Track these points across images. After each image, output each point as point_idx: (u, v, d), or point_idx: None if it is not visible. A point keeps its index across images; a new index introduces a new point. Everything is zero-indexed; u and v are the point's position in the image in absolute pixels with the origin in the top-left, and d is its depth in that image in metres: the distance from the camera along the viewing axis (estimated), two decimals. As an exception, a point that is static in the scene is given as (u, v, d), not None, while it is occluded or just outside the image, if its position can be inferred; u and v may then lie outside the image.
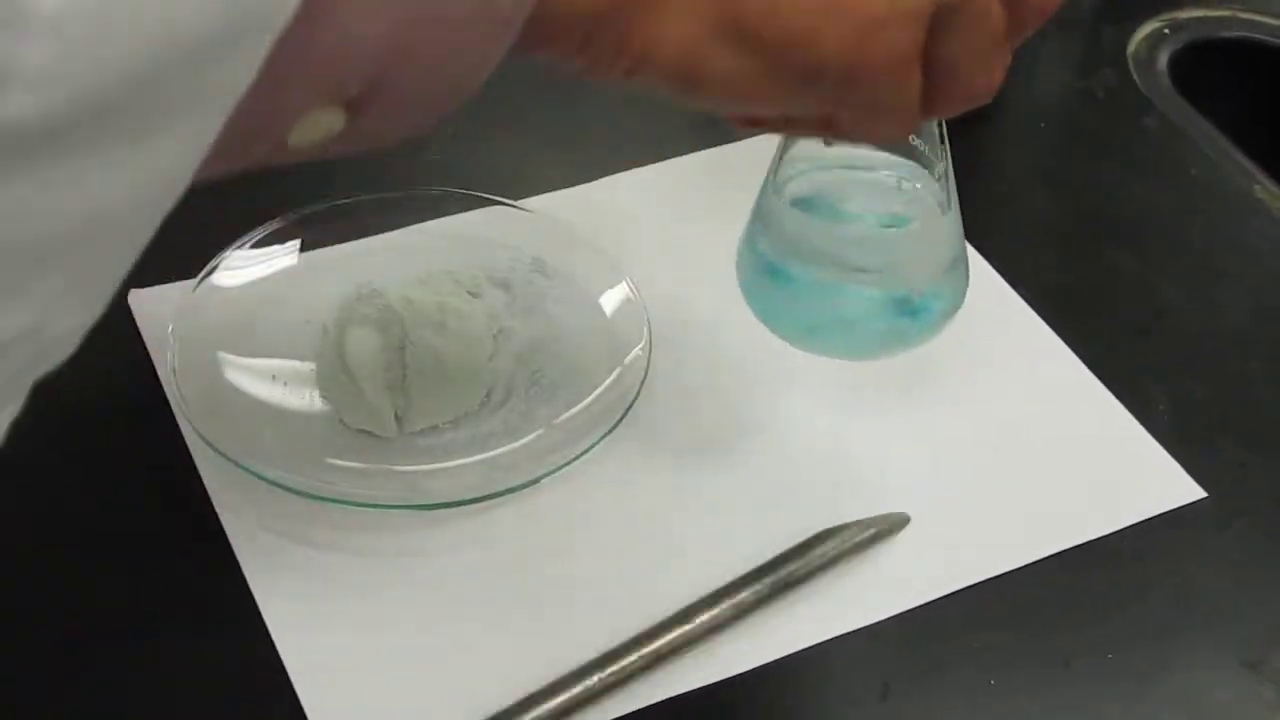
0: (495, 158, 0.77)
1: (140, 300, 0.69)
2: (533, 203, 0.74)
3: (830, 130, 0.49)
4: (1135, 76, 0.88)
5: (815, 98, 0.45)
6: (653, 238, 0.74)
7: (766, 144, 0.55)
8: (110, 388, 0.67)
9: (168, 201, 0.31)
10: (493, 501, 0.62)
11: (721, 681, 0.58)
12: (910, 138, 0.61)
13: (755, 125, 0.51)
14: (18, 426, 0.33)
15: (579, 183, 0.77)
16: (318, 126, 0.35)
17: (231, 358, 0.66)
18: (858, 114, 0.47)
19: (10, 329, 0.29)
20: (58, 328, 0.31)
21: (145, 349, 0.67)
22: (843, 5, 0.42)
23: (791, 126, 0.51)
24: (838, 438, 0.67)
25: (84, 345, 0.70)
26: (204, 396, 0.64)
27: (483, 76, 0.37)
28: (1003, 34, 0.47)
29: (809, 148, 0.62)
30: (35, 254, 0.28)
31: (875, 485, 0.65)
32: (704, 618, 0.59)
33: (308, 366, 0.67)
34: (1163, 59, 0.89)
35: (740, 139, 0.78)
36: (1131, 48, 0.90)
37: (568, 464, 0.63)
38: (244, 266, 0.69)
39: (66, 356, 0.32)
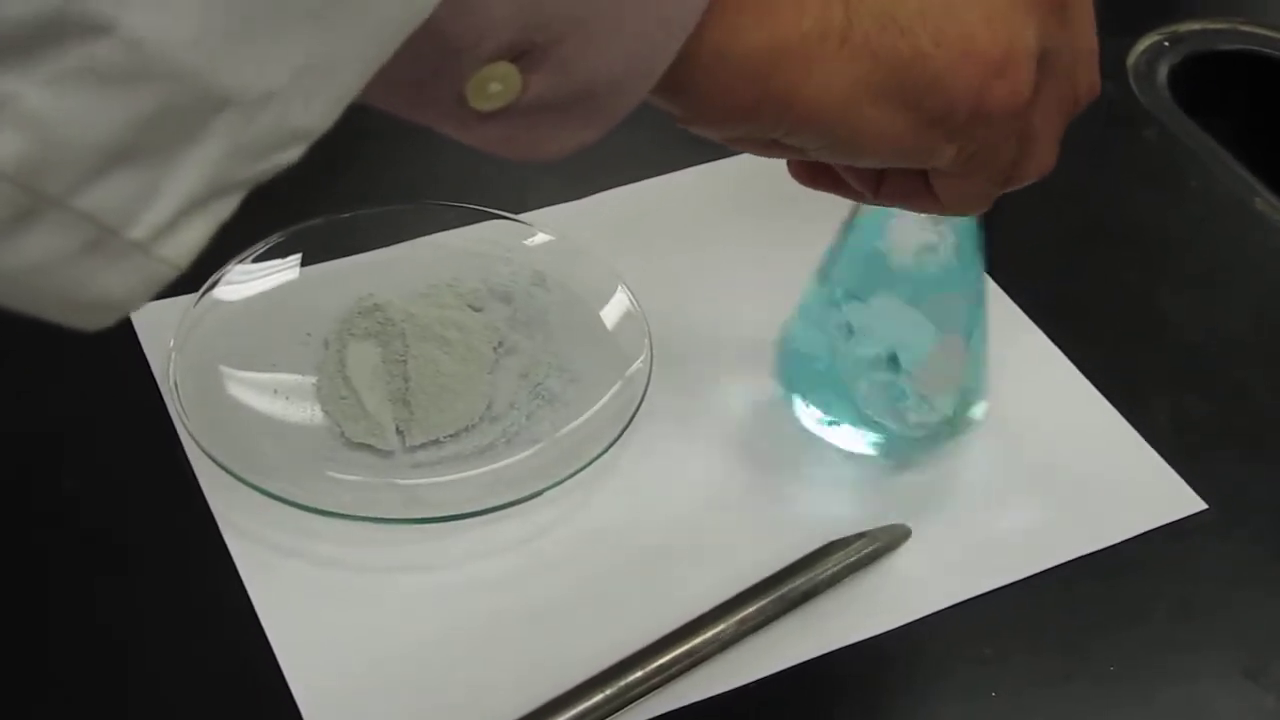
0: (497, 171, 0.77)
1: (142, 314, 0.69)
2: (534, 216, 0.74)
3: (927, 198, 0.51)
4: (1135, 89, 0.88)
5: (948, 144, 0.47)
6: (654, 251, 0.74)
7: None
8: (112, 401, 0.67)
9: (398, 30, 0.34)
10: (494, 515, 0.62)
11: (723, 695, 0.58)
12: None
13: (852, 192, 0.53)
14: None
15: (580, 196, 0.77)
16: (495, 83, 0.38)
17: (233, 371, 0.66)
18: (968, 167, 0.49)
19: (264, 88, 0.32)
20: (295, 115, 0.33)
21: (147, 363, 0.67)
22: (971, 51, 0.45)
23: (890, 189, 0.52)
24: (839, 451, 0.66)
25: (87, 358, 0.71)
26: (205, 410, 0.64)
27: (642, 84, 0.40)
28: (1069, 111, 0.50)
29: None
30: (292, 9, 0.32)
31: (876, 498, 0.65)
32: (708, 634, 0.59)
33: (309, 380, 0.67)
34: (1162, 71, 0.89)
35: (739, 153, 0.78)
36: (1131, 60, 0.90)
37: (569, 477, 0.63)
38: (245, 280, 0.69)
39: (289, 163, 0.34)
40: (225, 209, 0.34)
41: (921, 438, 0.65)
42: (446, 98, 0.39)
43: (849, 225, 0.62)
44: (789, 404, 0.66)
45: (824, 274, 0.64)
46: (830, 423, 0.65)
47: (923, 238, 0.62)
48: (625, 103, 0.40)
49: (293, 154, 0.34)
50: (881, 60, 0.44)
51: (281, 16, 0.31)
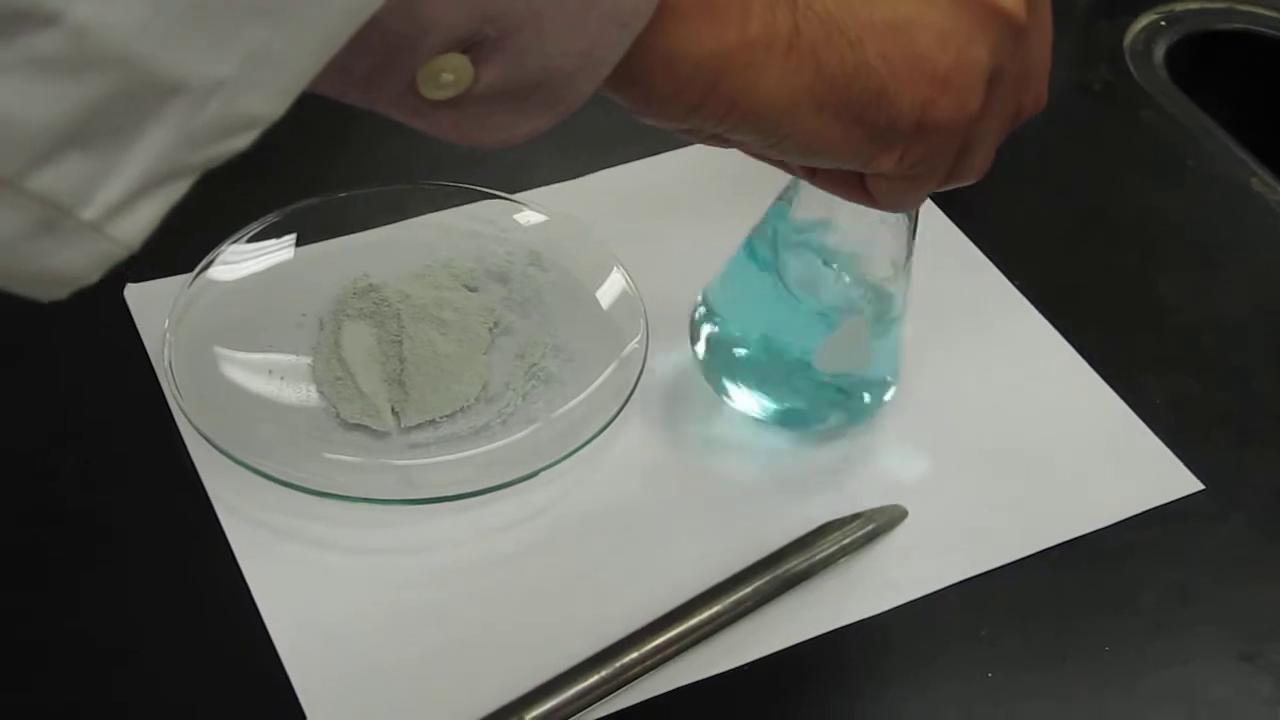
0: (492, 152, 0.77)
1: (136, 295, 0.69)
2: (530, 196, 0.74)
3: (861, 192, 0.51)
4: (1132, 69, 0.88)
5: (889, 153, 0.47)
6: (650, 231, 0.74)
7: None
8: (107, 382, 0.67)
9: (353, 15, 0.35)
10: (490, 495, 0.62)
11: (718, 676, 0.58)
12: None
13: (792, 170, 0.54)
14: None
15: (576, 176, 0.77)
16: (446, 73, 0.39)
17: (228, 352, 0.66)
18: (907, 173, 0.49)
19: (213, 76, 0.32)
20: (245, 103, 0.33)
21: (142, 344, 0.67)
22: (917, 67, 0.45)
23: (825, 179, 0.53)
24: (836, 431, 0.66)
25: (81, 339, 0.70)
26: (200, 391, 0.64)
27: (593, 78, 0.40)
28: (1011, 124, 0.51)
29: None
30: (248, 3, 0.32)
31: (873, 479, 0.65)
32: (704, 615, 0.59)
33: (304, 361, 0.67)
34: (1159, 51, 0.89)
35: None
36: (1128, 40, 0.90)
37: (565, 457, 0.63)
38: (240, 261, 0.69)
39: (240, 150, 0.34)
40: (176, 192, 0.34)
41: (826, 416, 0.66)
42: (397, 86, 0.39)
43: (781, 201, 0.63)
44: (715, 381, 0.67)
45: (754, 242, 0.64)
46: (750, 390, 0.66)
47: (852, 224, 0.62)
48: (576, 95, 0.41)
49: (243, 141, 0.34)
50: (825, 71, 0.44)
51: (229, 6, 0.32)
